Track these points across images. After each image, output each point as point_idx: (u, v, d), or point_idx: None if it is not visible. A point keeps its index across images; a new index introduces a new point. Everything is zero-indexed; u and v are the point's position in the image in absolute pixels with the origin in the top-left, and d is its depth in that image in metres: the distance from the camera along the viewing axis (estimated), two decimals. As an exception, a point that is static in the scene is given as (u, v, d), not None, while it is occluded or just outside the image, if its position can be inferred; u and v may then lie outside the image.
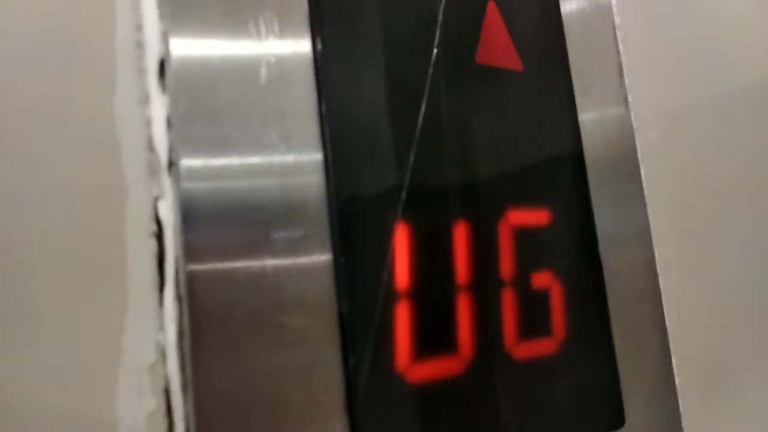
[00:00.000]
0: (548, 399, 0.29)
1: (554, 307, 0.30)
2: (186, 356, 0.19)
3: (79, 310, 0.19)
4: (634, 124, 0.36)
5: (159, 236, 0.20)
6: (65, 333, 0.19)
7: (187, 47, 0.21)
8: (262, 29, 0.23)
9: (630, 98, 0.36)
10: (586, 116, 0.33)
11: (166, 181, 0.20)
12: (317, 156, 0.24)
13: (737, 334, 0.41)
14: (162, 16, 0.20)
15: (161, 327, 0.19)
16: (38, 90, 0.20)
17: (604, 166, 0.34)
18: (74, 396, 0.18)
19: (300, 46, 0.24)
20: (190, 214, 0.20)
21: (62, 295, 0.19)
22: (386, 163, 0.26)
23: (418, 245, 0.25)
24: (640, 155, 0.36)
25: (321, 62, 0.24)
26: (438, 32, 0.28)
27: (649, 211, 0.36)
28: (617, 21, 0.37)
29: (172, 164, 0.20)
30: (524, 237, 0.29)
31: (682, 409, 0.35)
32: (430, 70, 0.27)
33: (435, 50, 0.28)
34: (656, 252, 0.36)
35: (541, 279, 0.29)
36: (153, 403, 0.19)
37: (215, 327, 0.20)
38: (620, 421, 0.31)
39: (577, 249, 0.32)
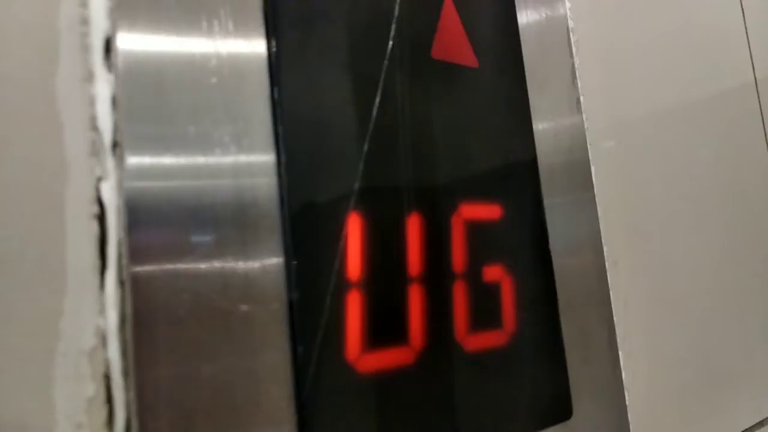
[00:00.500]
0: (497, 390, 0.29)
1: (505, 300, 0.30)
2: (128, 341, 0.19)
3: (13, 291, 0.18)
4: (586, 125, 0.37)
5: (101, 218, 0.19)
6: (-2, 315, 0.18)
7: (134, 35, 0.21)
8: (216, 26, 0.23)
9: (582, 100, 0.37)
10: (539, 117, 0.34)
11: (110, 162, 0.20)
12: (270, 155, 0.23)
13: (682, 330, 0.43)
14: (109, -6, 0.20)
15: (102, 311, 0.19)
16: (-24, 65, 0.19)
17: (556, 168, 0.35)
18: (7, 380, 0.17)
19: (254, 43, 0.24)
20: (135, 209, 0.20)
21: (-4, 275, 0.18)
22: (340, 157, 0.25)
23: (370, 236, 0.25)
24: (591, 157, 0.37)
25: (275, 60, 0.24)
26: (394, 26, 0.28)
27: (600, 213, 0.37)
28: (571, 24, 0.38)
29: (116, 145, 0.20)
30: (476, 231, 0.29)
31: (628, 402, 0.35)
32: (386, 63, 0.27)
33: (390, 43, 0.28)
34: (605, 252, 0.37)
35: (493, 272, 0.30)
36: (92, 389, 0.18)
37: (159, 312, 0.19)
38: (567, 413, 0.32)
39: (528, 244, 0.32)
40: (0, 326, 0.18)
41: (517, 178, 0.32)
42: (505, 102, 0.32)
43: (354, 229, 0.25)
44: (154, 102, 0.21)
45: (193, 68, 0.22)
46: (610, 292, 0.37)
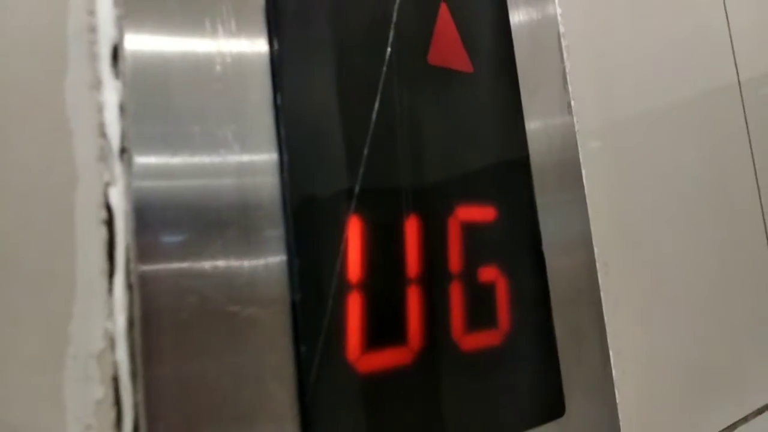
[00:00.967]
0: (493, 389, 0.30)
1: (499, 300, 0.31)
2: (136, 344, 0.19)
3: (24, 296, 0.18)
4: (577, 128, 0.38)
5: (109, 223, 0.20)
6: (8, 318, 0.18)
7: (140, 41, 0.21)
8: (219, 26, 0.23)
9: (573, 104, 0.38)
10: (531, 120, 0.35)
11: (118, 168, 0.20)
12: (273, 154, 0.24)
13: (671, 328, 0.44)
14: (116, 2, 0.20)
15: (110, 315, 0.19)
16: (-17, 72, 0.19)
17: (548, 170, 0.36)
18: (18, 383, 0.18)
19: (256, 44, 0.24)
20: (142, 211, 0.20)
21: (7, 279, 0.18)
22: (341, 160, 0.26)
23: (370, 238, 0.26)
24: (582, 159, 0.38)
25: (277, 61, 0.24)
26: (392, 32, 0.29)
27: (590, 213, 0.38)
28: (562, 29, 0.38)
29: (124, 150, 0.20)
30: (471, 232, 0.30)
31: (618, 400, 0.36)
32: (384, 69, 0.28)
33: (389, 49, 0.28)
34: (596, 253, 0.38)
35: (488, 273, 0.31)
36: (101, 391, 0.19)
37: (166, 315, 0.20)
38: (560, 410, 0.32)
39: (521, 245, 0.33)
40: (11, 330, 0.18)
41: (512, 180, 0.33)
42: (499, 106, 0.33)
43: (354, 230, 0.26)
44: (160, 105, 0.21)
45: (197, 70, 0.22)
46: (601, 292, 0.38)
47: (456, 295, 0.29)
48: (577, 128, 0.38)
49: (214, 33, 0.23)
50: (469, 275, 0.30)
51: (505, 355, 0.30)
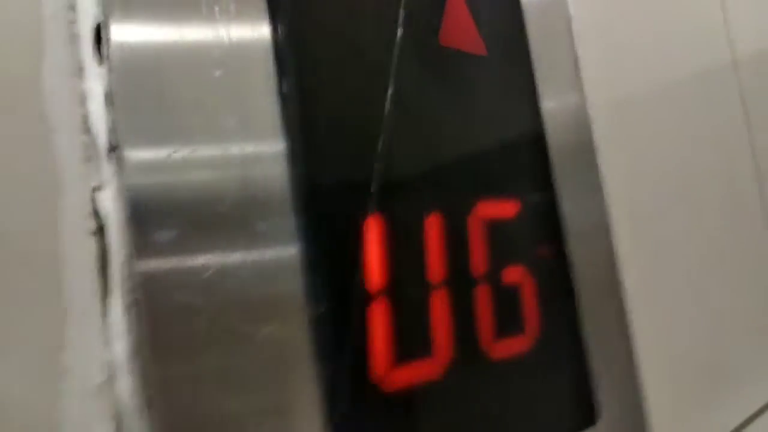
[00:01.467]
0: (525, 399, 0.27)
1: (526, 302, 0.28)
2: (139, 376, 0.16)
3: (5, 325, 0.15)
4: (590, 112, 0.36)
5: (100, 234, 0.17)
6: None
7: (127, 21, 0.18)
8: (216, 10, 0.20)
9: (585, 88, 0.36)
10: (544, 104, 0.32)
11: (107, 169, 0.17)
12: (279, 145, 0.21)
13: (689, 324, 0.42)
14: (98, -25, 0.17)
15: (108, 342, 0.16)
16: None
17: (564, 156, 0.33)
18: (8, 428, 0.15)
19: (258, 26, 0.21)
20: (138, 218, 0.17)
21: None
22: (354, 152, 0.23)
23: (390, 240, 0.23)
24: (596, 144, 0.36)
25: (281, 45, 0.22)
26: (402, 11, 0.26)
27: (607, 202, 0.36)
28: (572, 12, 0.36)
29: (113, 148, 0.17)
30: (494, 229, 0.28)
31: (649, 401, 0.34)
32: (396, 51, 0.25)
33: (399, 29, 0.26)
34: (615, 243, 0.36)
35: (513, 273, 0.28)
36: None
37: (173, 340, 0.17)
38: (593, 417, 0.30)
39: (544, 239, 0.30)
40: (-10, 368, 0.15)
41: (531, 170, 0.31)
42: (515, 91, 0.31)
43: (374, 231, 0.23)
44: (152, 94, 0.18)
45: (194, 57, 0.19)
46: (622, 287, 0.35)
47: (482, 300, 0.26)
48: (590, 112, 0.36)
49: (210, 14, 0.20)
50: (494, 277, 0.27)
51: (535, 362, 0.28)
